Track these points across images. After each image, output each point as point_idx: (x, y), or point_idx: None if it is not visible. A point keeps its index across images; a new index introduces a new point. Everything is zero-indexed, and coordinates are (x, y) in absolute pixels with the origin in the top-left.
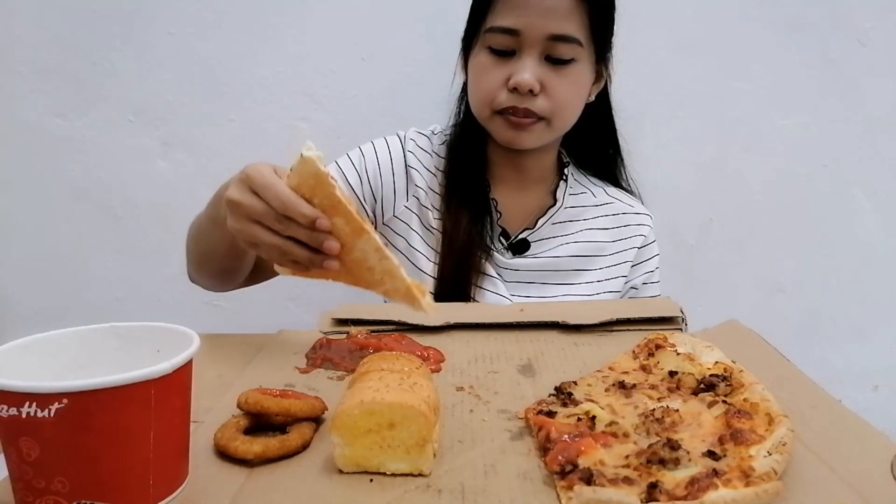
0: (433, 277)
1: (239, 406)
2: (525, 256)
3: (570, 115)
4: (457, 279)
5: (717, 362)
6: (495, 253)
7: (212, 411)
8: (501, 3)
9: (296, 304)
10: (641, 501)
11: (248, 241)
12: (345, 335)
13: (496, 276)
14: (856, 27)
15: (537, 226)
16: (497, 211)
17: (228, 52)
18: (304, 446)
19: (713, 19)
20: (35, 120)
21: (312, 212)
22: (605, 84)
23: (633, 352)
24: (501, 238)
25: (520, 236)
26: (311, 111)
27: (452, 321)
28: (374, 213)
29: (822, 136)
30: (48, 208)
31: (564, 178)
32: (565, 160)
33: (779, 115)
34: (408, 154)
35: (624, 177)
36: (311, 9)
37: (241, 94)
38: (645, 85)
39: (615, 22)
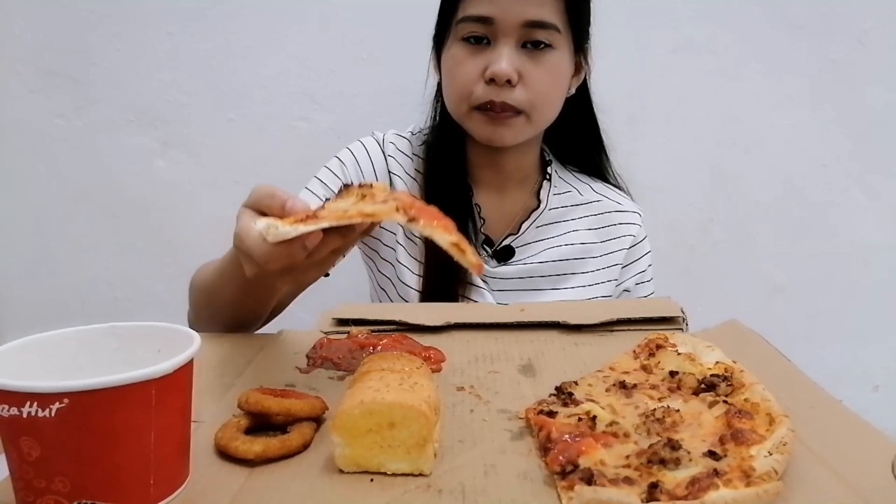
0: (419, 291)
1: (239, 406)
2: (510, 263)
3: (549, 107)
4: (442, 292)
5: (717, 362)
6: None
7: (212, 411)
8: None
9: (296, 304)
10: (642, 501)
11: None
12: (345, 335)
13: (482, 285)
14: (855, 27)
15: (521, 231)
16: (480, 217)
17: (228, 53)
18: (305, 446)
19: (712, 19)
20: (35, 120)
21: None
22: (585, 77)
23: (634, 352)
24: (485, 245)
25: (503, 243)
26: (310, 111)
27: (453, 321)
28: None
29: (821, 135)
30: (48, 208)
31: (548, 177)
32: (548, 158)
33: (778, 115)
34: (389, 159)
35: (610, 171)
36: (311, 9)
37: (240, 94)
38: (644, 85)
39: (591, 10)
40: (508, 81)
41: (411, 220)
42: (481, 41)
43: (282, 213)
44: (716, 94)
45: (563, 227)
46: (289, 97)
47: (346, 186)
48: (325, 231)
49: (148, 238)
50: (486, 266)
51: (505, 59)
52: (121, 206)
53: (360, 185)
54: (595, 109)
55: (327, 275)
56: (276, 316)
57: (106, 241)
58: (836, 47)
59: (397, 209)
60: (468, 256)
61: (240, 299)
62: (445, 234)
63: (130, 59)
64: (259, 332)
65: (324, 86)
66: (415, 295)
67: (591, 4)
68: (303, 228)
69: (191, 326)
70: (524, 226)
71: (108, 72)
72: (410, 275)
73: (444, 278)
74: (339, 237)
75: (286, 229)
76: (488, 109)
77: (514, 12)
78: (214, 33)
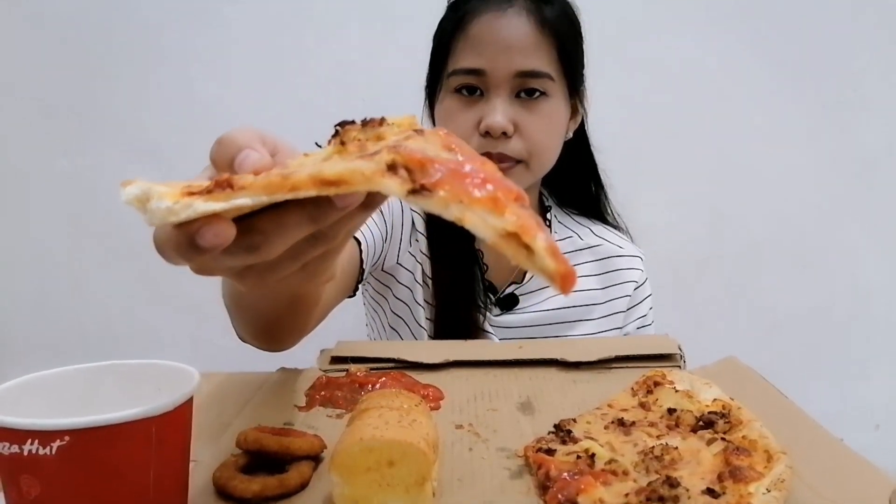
0: (430, 335)
1: (238, 444)
2: (514, 312)
3: (548, 155)
4: (452, 338)
5: (715, 399)
6: (483, 309)
7: (211, 450)
8: (462, 44)
9: None
10: None
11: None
12: (344, 373)
13: (492, 331)
14: (847, 70)
15: (525, 279)
16: (483, 263)
17: (231, 93)
18: (303, 485)
19: (708, 62)
20: (38, 159)
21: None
22: (582, 119)
23: (632, 389)
24: (489, 293)
25: (507, 291)
26: None
27: (451, 358)
28: (382, 251)
29: (816, 175)
30: (49, 245)
31: (548, 223)
32: (547, 203)
33: (773, 155)
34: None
35: (609, 212)
36: (315, 53)
37: None
38: (641, 125)
39: (583, 54)
40: (504, 133)
41: (417, 190)
42: (474, 92)
43: (230, 172)
44: (711, 133)
45: None
46: (292, 139)
47: (344, 125)
48: (281, 208)
49: (148, 276)
50: (489, 314)
51: (499, 112)
52: (122, 244)
53: (365, 123)
54: (593, 150)
55: (352, 294)
56: (321, 320)
57: (106, 279)
58: (828, 90)
59: (390, 167)
60: (539, 260)
61: (255, 303)
62: (491, 216)
63: (134, 99)
64: (258, 371)
65: (328, 127)
66: (428, 338)
67: (584, 47)
68: (200, 206)
69: (237, 334)
70: (528, 274)
71: (111, 112)
72: (425, 320)
73: (452, 327)
74: (306, 219)
75: (162, 205)
76: None
77: (505, 64)
78: (218, 74)
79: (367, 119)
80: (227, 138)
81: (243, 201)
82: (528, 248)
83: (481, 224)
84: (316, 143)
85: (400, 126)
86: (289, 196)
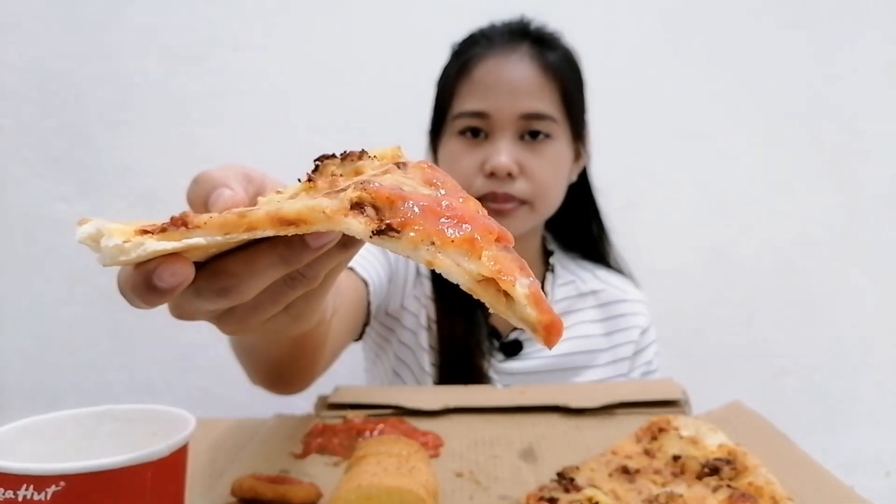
0: (434, 381)
1: (233, 492)
2: (518, 358)
3: (552, 195)
4: (455, 384)
5: (720, 445)
6: (487, 356)
7: (205, 497)
8: (467, 87)
9: None
10: None
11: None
12: (341, 419)
13: (498, 379)
14: (843, 112)
15: None
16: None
17: (232, 138)
18: None
19: (710, 108)
20: (37, 204)
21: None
22: (585, 164)
23: (636, 435)
24: (493, 338)
25: (511, 336)
26: None
27: (451, 405)
28: (388, 293)
29: (816, 217)
30: (45, 292)
31: (550, 267)
32: (549, 248)
33: (774, 198)
34: None
35: (612, 256)
36: (315, 99)
37: None
38: (641, 169)
39: (585, 99)
40: (509, 174)
41: (383, 231)
42: (478, 134)
43: (204, 212)
44: (710, 176)
45: (569, 319)
46: (291, 183)
47: (323, 159)
48: (252, 249)
49: (144, 322)
50: (493, 360)
51: (504, 153)
52: (117, 289)
53: (344, 156)
54: (595, 194)
55: (359, 337)
56: (331, 362)
57: (101, 325)
58: (824, 131)
59: (356, 205)
60: (519, 308)
61: (257, 347)
62: (466, 260)
63: (134, 146)
64: (253, 417)
65: None
66: (432, 384)
67: (586, 93)
68: (151, 246)
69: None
70: None
71: (111, 158)
72: (429, 365)
73: (457, 374)
74: (277, 261)
75: (111, 243)
76: (490, 201)
77: (509, 106)
78: (218, 121)
79: (346, 152)
80: (203, 177)
81: (197, 241)
82: (508, 296)
83: (454, 268)
84: (298, 179)
85: (382, 158)
86: (245, 236)
